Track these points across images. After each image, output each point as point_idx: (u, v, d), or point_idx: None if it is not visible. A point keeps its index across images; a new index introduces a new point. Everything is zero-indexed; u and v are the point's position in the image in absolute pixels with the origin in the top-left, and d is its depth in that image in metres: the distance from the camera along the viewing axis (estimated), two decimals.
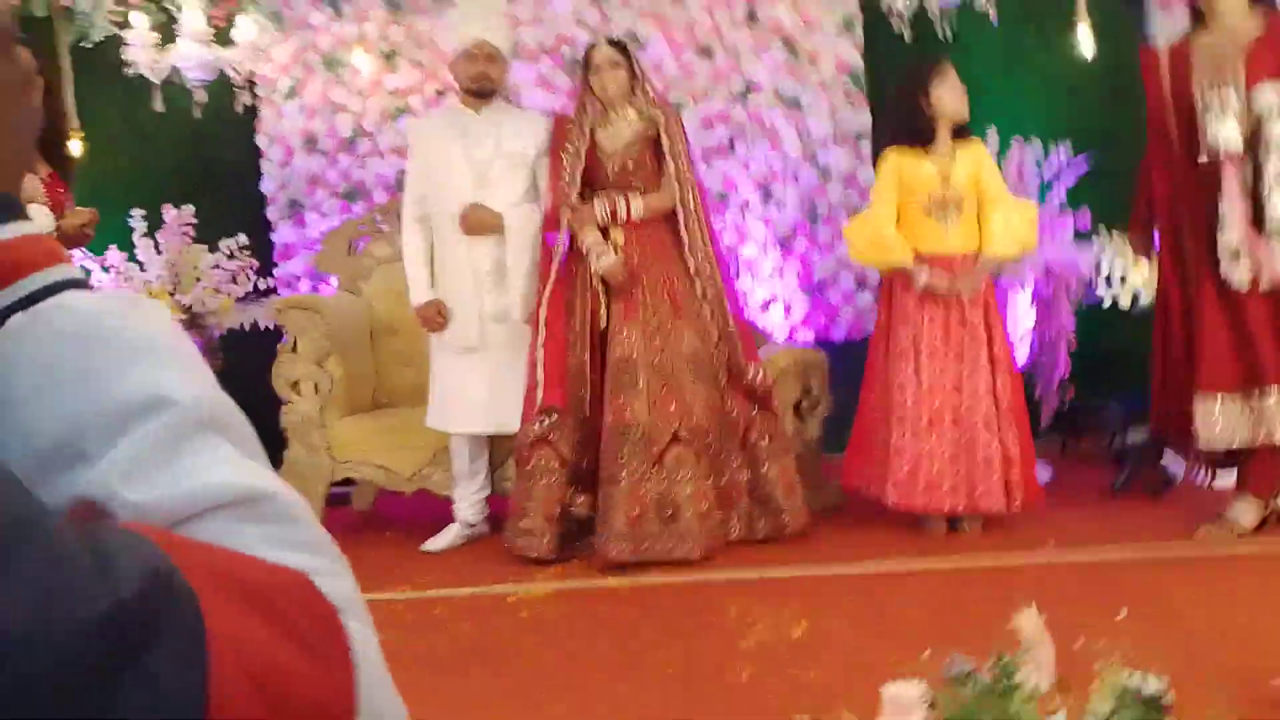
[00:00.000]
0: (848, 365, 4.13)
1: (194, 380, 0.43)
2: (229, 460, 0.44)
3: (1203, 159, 2.81)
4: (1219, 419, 2.89)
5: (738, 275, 4.90)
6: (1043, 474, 3.84)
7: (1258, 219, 2.76)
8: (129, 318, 0.43)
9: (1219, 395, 2.89)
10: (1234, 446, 2.93)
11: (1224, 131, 2.72)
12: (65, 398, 0.40)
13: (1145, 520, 3.26)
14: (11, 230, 0.41)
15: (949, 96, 3.17)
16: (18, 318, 0.40)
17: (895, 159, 3.29)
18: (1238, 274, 2.80)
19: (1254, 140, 2.73)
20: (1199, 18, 2.97)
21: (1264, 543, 2.94)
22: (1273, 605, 2.39)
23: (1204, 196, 2.87)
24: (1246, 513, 3.02)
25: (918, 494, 3.18)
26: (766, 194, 4.91)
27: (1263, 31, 2.84)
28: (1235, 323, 2.89)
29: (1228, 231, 2.80)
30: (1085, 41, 4.40)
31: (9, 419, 0.40)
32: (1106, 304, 4.12)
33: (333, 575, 0.44)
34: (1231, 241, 2.79)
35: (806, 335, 4.89)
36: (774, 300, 4.93)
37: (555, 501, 3.12)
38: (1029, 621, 1.45)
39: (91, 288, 0.45)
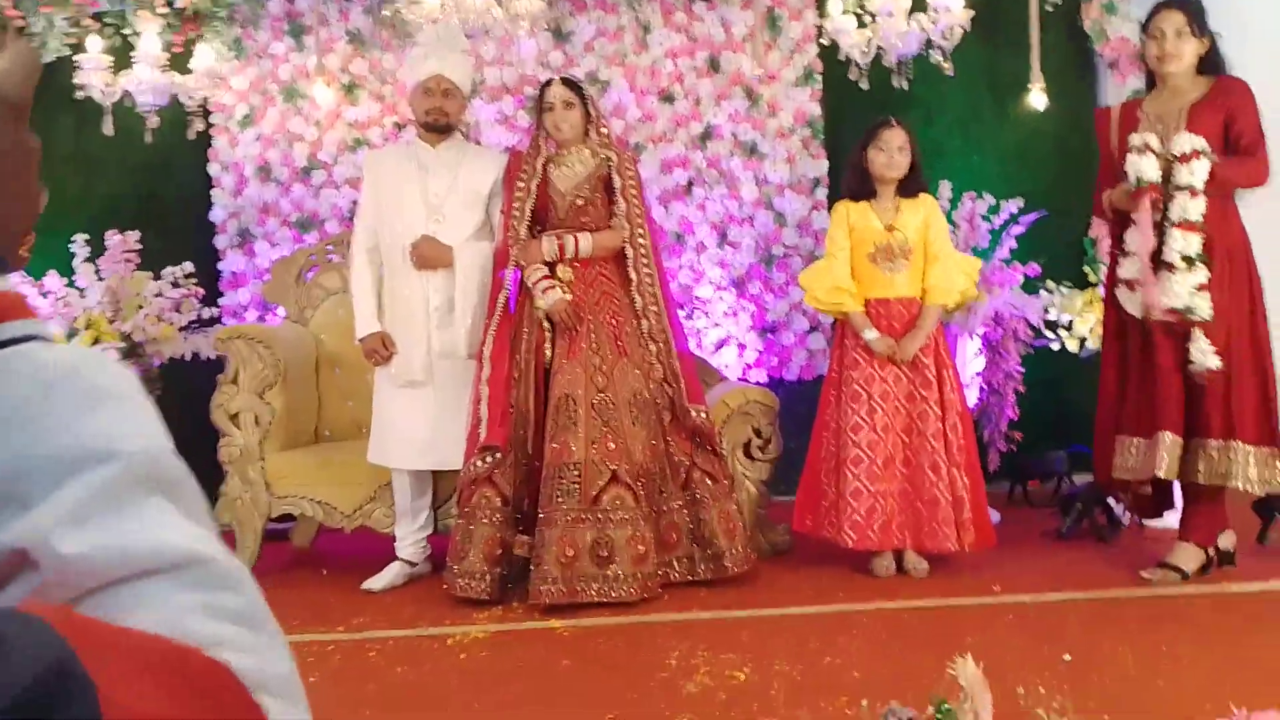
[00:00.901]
0: (799, 406, 4.14)
1: (145, 435, 0.42)
2: (170, 521, 0.42)
3: (1127, 187, 2.94)
4: (1131, 459, 3.04)
5: (692, 315, 4.92)
6: (991, 517, 3.85)
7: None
8: (88, 369, 0.42)
9: (1131, 438, 3.06)
10: (1139, 479, 3.06)
11: (1142, 167, 2.86)
12: (15, 439, 0.39)
13: (1091, 565, 3.27)
14: None
15: (879, 159, 3.30)
16: None
17: (844, 210, 3.40)
18: (1131, 304, 2.95)
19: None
20: (1153, 82, 3.13)
21: (1206, 587, 2.98)
22: (1214, 648, 2.39)
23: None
24: (1189, 559, 3.07)
25: (874, 534, 3.19)
26: (723, 237, 4.95)
27: (1204, 96, 3.00)
28: (1150, 366, 3.00)
29: (1126, 261, 2.96)
30: (1039, 101, 4.51)
31: None
32: (1054, 348, 4.19)
33: (257, 651, 0.42)
34: (1128, 270, 2.95)
35: (759, 375, 4.91)
36: (728, 341, 4.95)
37: (496, 542, 3.06)
38: (967, 670, 1.43)
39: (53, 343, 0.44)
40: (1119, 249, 3.06)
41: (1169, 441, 2.95)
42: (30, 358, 0.41)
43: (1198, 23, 3.00)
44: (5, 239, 0.44)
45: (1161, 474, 2.96)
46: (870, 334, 3.27)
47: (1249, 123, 2.96)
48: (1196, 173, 2.85)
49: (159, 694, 0.36)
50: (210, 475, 3.59)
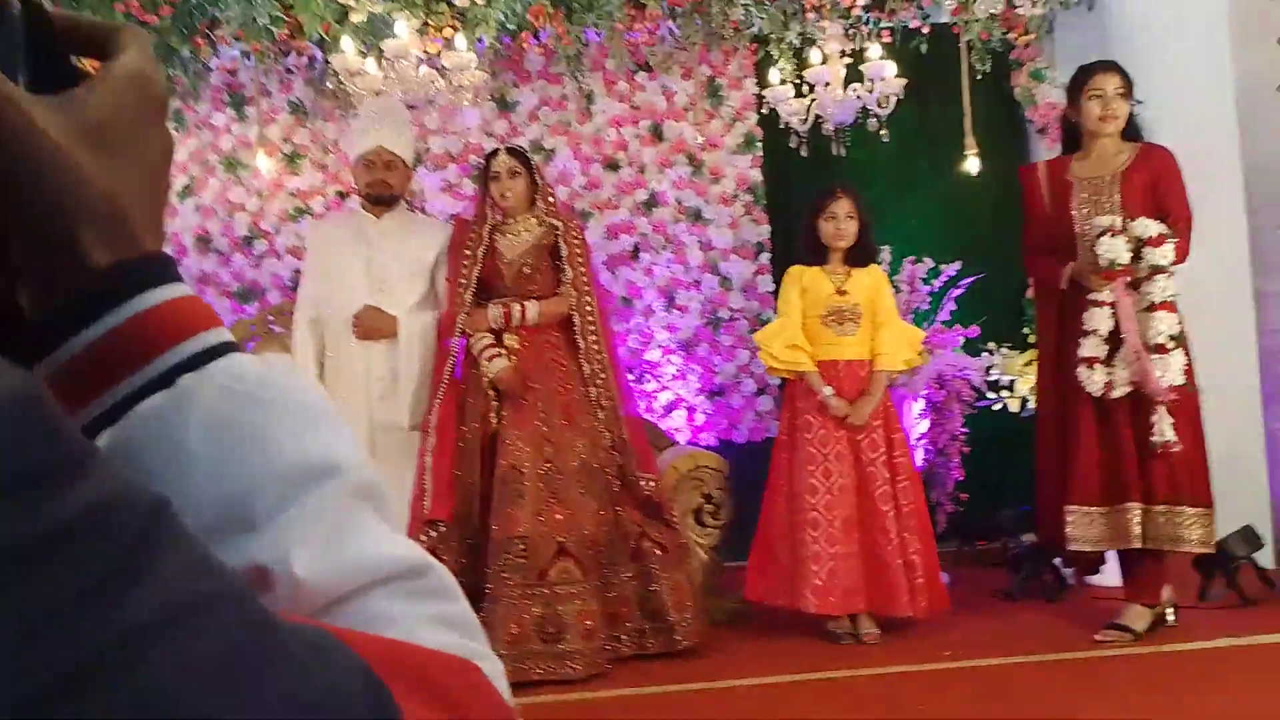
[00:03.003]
0: (750, 469, 4.13)
1: (355, 448, 0.42)
2: (386, 533, 0.42)
3: (1092, 277, 3.00)
4: (1083, 528, 3.06)
5: (641, 378, 4.92)
6: (942, 580, 3.86)
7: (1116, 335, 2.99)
8: (296, 381, 0.42)
9: (1084, 508, 3.06)
10: (1098, 550, 3.10)
11: (1116, 250, 2.92)
12: (240, 459, 0.38)
13: (1042, 625, 3.28)
14: (175, 291, 0.40)
15: (827, 228, 3.37)
16: (188, 378, 0.39)
17: (796, 273, 3.45)
18: (1092, 382, 2.99)
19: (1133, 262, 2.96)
20: (1072, 144, 3.21)
21: (1154, 646, 2.99)
22: (1164, 707, 2.40)
23: (1080, 311, 3.04)
24: (1138, 619, 3.09)
25: (836, 598, 3.16)
26: (670, 300, 4.98)
27: (1132, 163, 3.09)
28: (1104, 437, 3.06)
29: (1088, 340, 2.99)
30: (973, 165, 4.63)
31: (180, 478, 0.37)
32: (996, 408, 4.25)
33: (489, 659, 0.41)
34: (1090, 349, 2.99)
35: (709, 438, 4.91)
36: (677, 403, 4.95)
37: None
38: None
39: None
40: (1076, 327, 3.07)
41: (1137, 512, 2.98)
42: (236, 373, 0.40)
43: (1129, 86, 3.10)
44: (159, 242, 0.43)
45: (1136, 544, 2.98)
46: (827, 390, 3.29)
47: (1178, 200, 3.07)
48: (1168, 254, 2.93)
49: (434, 702, 0.36)
50: None
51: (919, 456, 4.13)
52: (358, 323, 3.21)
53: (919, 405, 4.10)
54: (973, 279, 4.18)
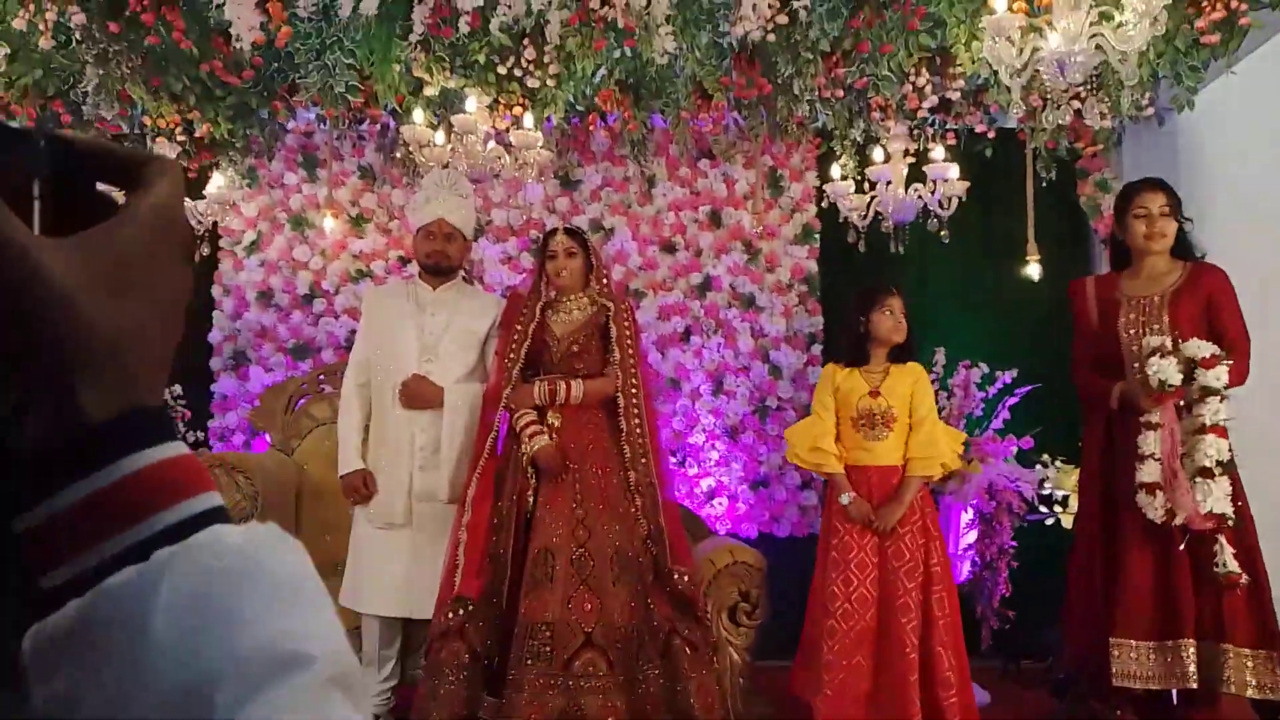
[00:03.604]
0: (790, 564, 4.03)
1: (332, 633, 0.40)
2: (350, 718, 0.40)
3: (1144, 399, 2.93)
4: (1133, 664, 2.92)
5: (684, 462, 4.86)
6: (981, 697, 3.70)
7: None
8: (270, 557, 0.40)
9: (1134, 642, 2.93)
10: (1149, 688, 2.94)
11: (1168, 372, 2.85)
12: (205, 646, 0.37)
13: None
14: (168, 451, 0.39)
15: (885, 323, 3.30)
16: (164, 552, 0.37)
17: (831, 371, 3.40)
18: (1154, 509, 2.88)
19: (1184, 384, 2.88)
20: (1121, 260, 3.20)
21: None
22: None
23: (1131, 432, 2.97)
24: None
25: (847, 709, 3.04)
26: (718, 385, 4.95)
27: (1182, 282, 3.05)
28: (1158, 567, 2.94)
29: (1145, 466, 2.91)
30: (1034, 271, 4.57)
31: (140, 662, 0.36)
32: (1048, 523, 4.11)
33: None
34: (1149, 474, 2.90)
35: (750, 529, 4.81)
36: (719, 491, 4.88)
37: (461, 703, 2.90)
38: None
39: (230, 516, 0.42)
40: (1124, 447, 3.00)
41: (1192, 650, 2.87)
42: (215, 548, 0.39)
43: (1178, 204, 3.08)
44: (161, 389, 0.42)
45: (1191, 684, 2.85)
46: (846, 497, 3.21)
47: (1234, 319, 3.01)
48: (1220, 377, 2.86)
49: None
50: None
51: (965, 568, 4.00)
52: (404, 391, 3.22)
53: (968, 515, 3.99)
54: (1029, 388, 4.08)
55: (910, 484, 3.23)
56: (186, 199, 4.24)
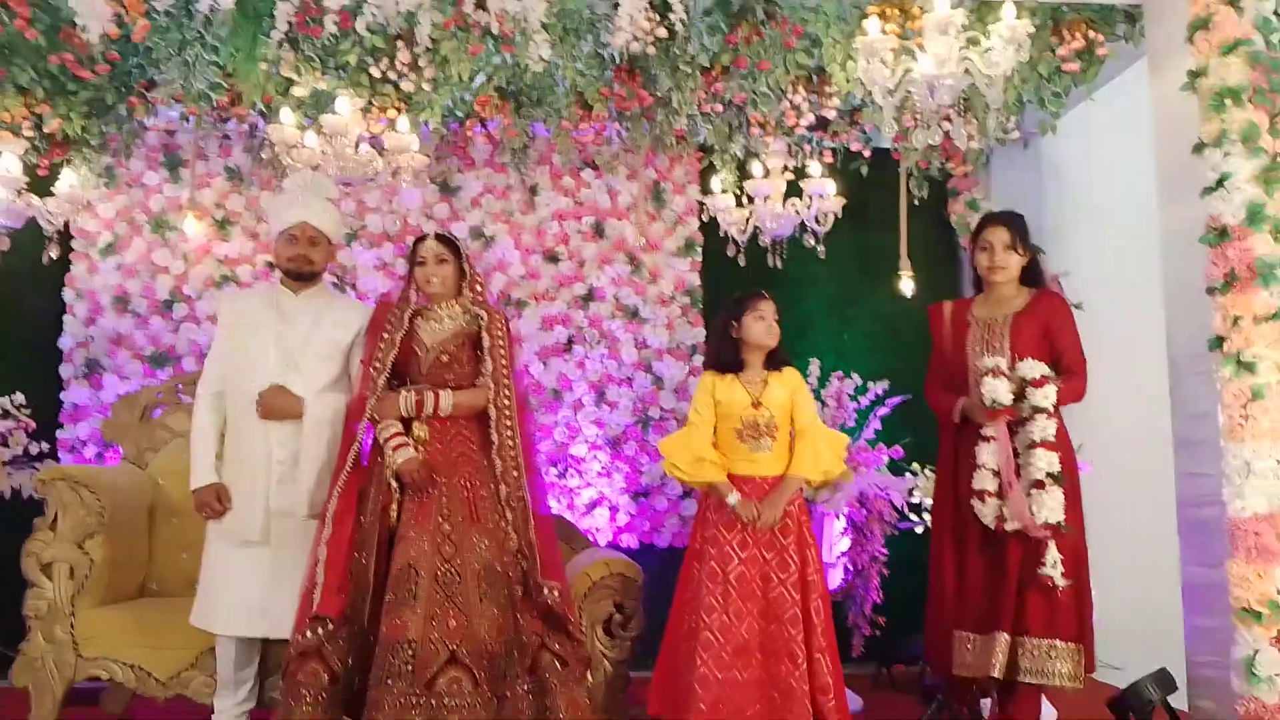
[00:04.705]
0: (672, 573, 4.00)
1: None
2: None
3: (980, 414, 3.12)
4: (968, 654, 3.11)
5: (565, 473, 4.81)
6: (853, 703, 3.74)
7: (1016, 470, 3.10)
8: None
9: (968, 634, 3.13)
10: (981, 675, 3.09)
11: (998, 391, 3.04)
12: None
13: None
14: None
15: (757, 327, 3.30)
16: None
17: (710, 381, 3.35)
18: (985, 514, 3.09)
19: (1017, 402, 3.08)
20: (980, 286, 3.39)
21: None
22: None
23: (973, 444, 3.15)
24: None
25: None
26: (601, 396, 4.92)
27: (1026, 307, 3.25)
28: (993, 567, 3.12)
29: (979, 474, 3.10)
30: (907, 288, 4.69)
31: None
32: (919, 530, 4.20)
33: None
34: (981, 482, 3.09)
35: (631, 540, 4.79)
36: (601, 501, 4.85)
37: None
38: None
39: None
40: (967, 459, 3.17)
41: (1004, 642, 3.03)
42: None
43: (1021, 238, 3.27)
44: None
45: (995, 673, 3.02)
46: (734, 498, 3.18)
47: (1070, 342, 3.21)
48: (1049, 396, 3.05)
49: None
50: (17, 629, 3.25)
51: (837, 576, 4.06)
52: (262, 402, 3.07)
53: (840, 524, 4.05)
54: (900, 399, 4.18)
55: (790, 482, 3.23)
56: (34, 197, 3.98)
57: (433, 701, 2.73)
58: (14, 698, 3.51)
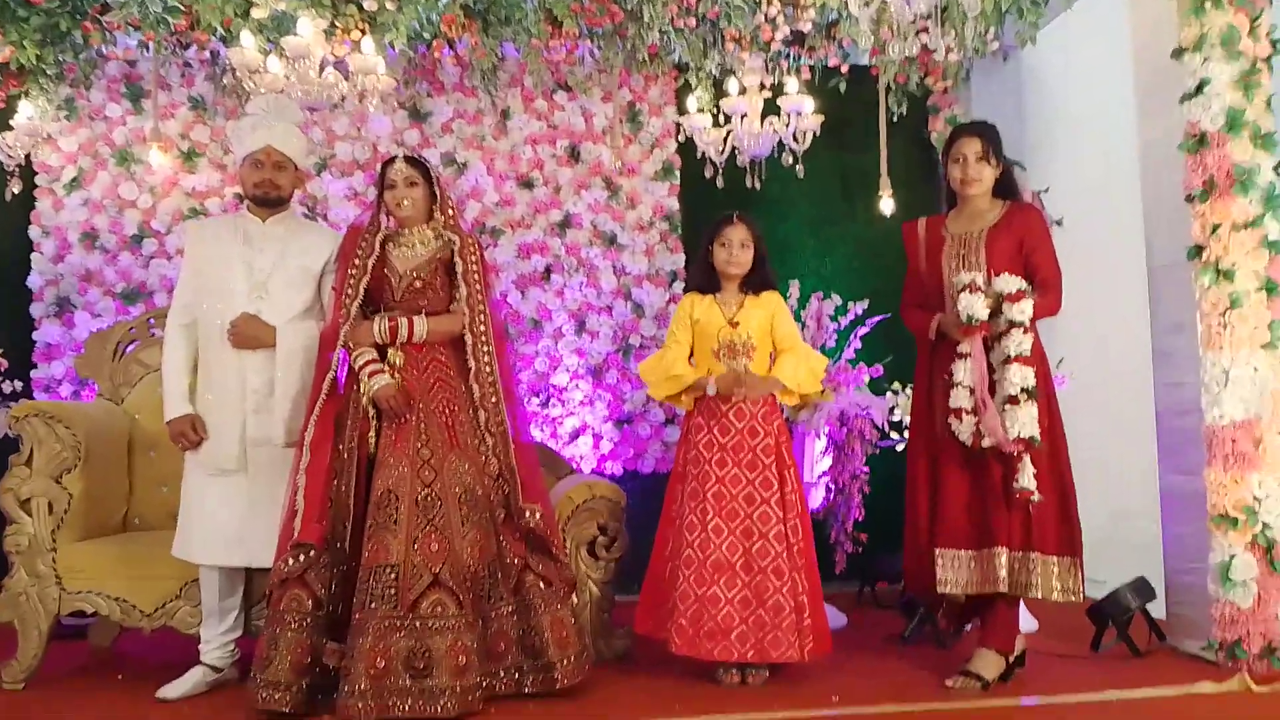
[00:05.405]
0: (653, 501, 4.02)
1: None
2: None
3: (956, 330, 3.07)
4: (953, 571, 3.10)
5: (547, 403, 4.80)
6: (836, 620, 3.80)
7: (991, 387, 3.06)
8: None
9: (953, 550, 3.10)
10: (967, 593, 3.11)
11: (974, 306, 2.99)
12: None
13: (931, 672, 3.23)
14: None
15: (720, 254, 3.31)
16: None
17: (689, 303, 3.37)
18: (962, 431, 3.06)
19: (993, 317, 3.04)
20: (953, 201, 3.30)
21: (1044, 698, 2.97)
22: None
23: (949, 361, 3.11)
24: (989, 666, 3.09)
25: (702, 641, 3.06)
26: (581, 325, 4.88)
27: (1000, 220, 3.18)
28: (972, 484, 3.11)
29: (955, 391, 3.06)
30: (887, 206, 4.64)
31: None
32: (900, 448, 4.23)
33: None
34: (959, 400, 3.06)
35: (615, 467, 4.80)
36: (584, 430, 4.84)
37: (305, 649, 2.79)
38: None
39: None
40: (943, 377, 3.14)
41: (1004, 557, 3.02)
42: None
43: (994, 149, 3.18)
44: None
45: (1002, 589, 3.01)
46: (711, 384, 3.20)
47: (1045, 256, 3.15)
48: (1025, 310, 3.00)
49: None
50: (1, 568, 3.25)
51: (819, 495, 4.08)
52: (234, 331, 3.03)
53: (821, 443, 4.06)
54: (879, 319, 4.16)
55: (771, 377, 3.24)
56: None
57: (417, 624, 2.74)
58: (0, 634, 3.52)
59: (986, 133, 3.20)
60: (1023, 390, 2.99)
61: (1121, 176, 4.01)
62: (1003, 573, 3.00)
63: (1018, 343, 3.00)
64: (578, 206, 4.91)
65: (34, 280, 4.53)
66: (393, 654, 2.70)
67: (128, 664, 3.52)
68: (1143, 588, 3.55)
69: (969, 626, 3.48)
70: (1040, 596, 3.03)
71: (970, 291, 3.00)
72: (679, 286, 4.89)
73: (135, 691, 3.12)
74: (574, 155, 4.94)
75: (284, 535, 2.86)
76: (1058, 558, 3.05)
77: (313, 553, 2.84)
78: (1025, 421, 2.97)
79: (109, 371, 3.82)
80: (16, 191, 3.89)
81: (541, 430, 4.77)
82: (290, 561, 2.82)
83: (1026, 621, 3.58)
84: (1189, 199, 3.39)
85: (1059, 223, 3.93)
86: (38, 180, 4.53)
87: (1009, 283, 3.02)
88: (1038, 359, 3.08)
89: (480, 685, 2.81)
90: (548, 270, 4.89)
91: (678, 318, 3.36)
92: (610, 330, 4.89)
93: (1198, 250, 3.35)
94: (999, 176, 3.21)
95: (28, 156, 4.14)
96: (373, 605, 2.73)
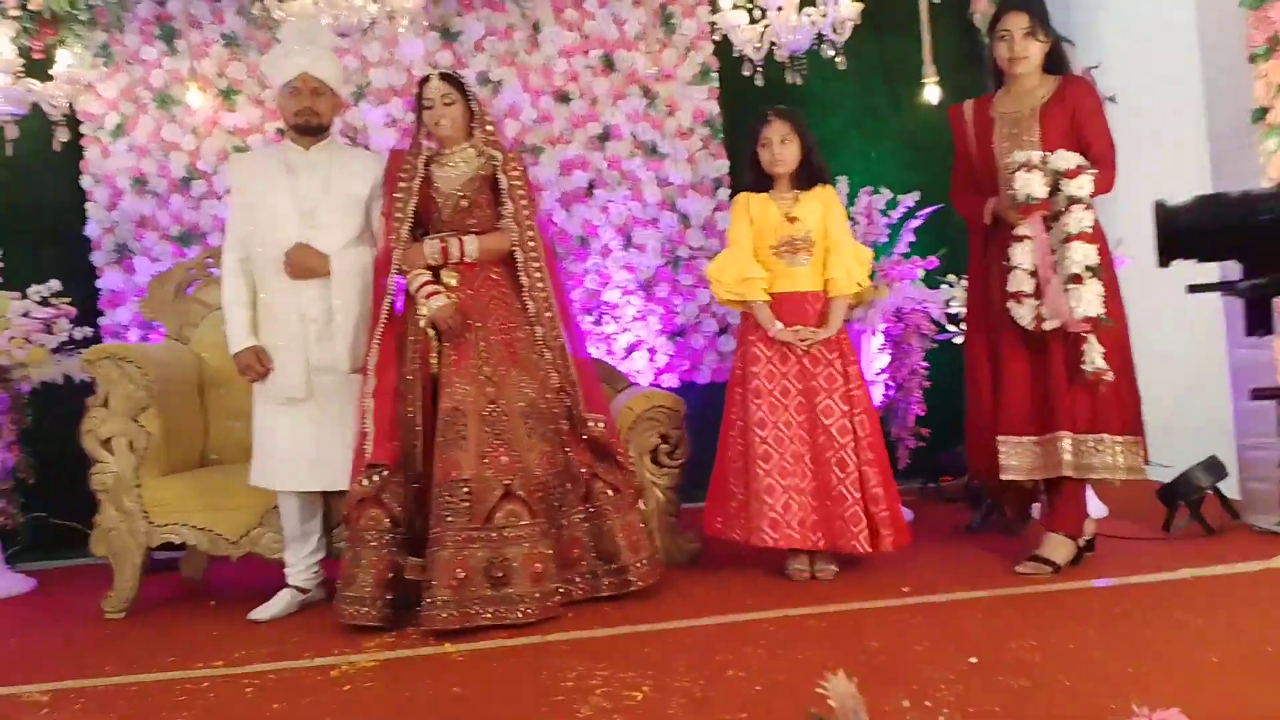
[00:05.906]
0: (711, 410, 4.04)
1: None
2: None
3: (1012, 212, 2.99)
4: (1016, 458, 3.07)
5: (600, 320, 4.81)
6: (904, 515, 3.82)
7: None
8: None
9: (1016, 437, 3.07)
10: (1032, 478, 3.11)
11: (1031, 185, 2.91)
12: None
13: (1000, 560, 3.24)
14: None
15: (763, 155, 3.27)
16: None
17: (744, 201, 3.33)
18: (1023, 316, 3.00)
19: (1050, 196, 2.95)
20: (1000, 80, 3.18)
21: (1113, 579, 2.95)
22: (1119, 642, 2.36)
23: (1006, 246, 3.03)
24: (1058, 549, 3.08)
25: (794, 530, 3.10)
26: (627, 239, 4.86)
27: (1051, 96, 3.06)
28: (1034, 368, 3.06)
29: (1014, 275, 3.00)
30: (933, 95, 4.51)
31: None
32: (957, 341, 4.18)
33: None
34: (1018, 284, 2.99)
35: (671, 380, 4.83)
36: (638, 345, 4.86)
37: (386, 565, 2.89)
38: (838, 687, 1.35)
39: None
40: (999, 262, 3.07)
41: (1068, 441, 2.99)
42: None
43: (1041, 23, 3.06)
44: None
45: (1068, 472, 2.99)
46: (777, 326, 3.21)
47: (1099, 130, 3.04)
48: (1085, 186, 2.91)
49: None
50: (87, 505, 3.37)
51: (879, 392, 4.07)
52: (288, 262, 3.06)
53: (878, 340, 4.03)
54: (931, 210, 4.08)
55: (838, 305, 3.24)
56: (34, 82, 3.90)
57: (493, 535, 2.81)
58: (95, 573, 3.69)
59: (1033, 6, 3.07)
60: (1087, 268, 2.92)
61: (1175, 46, 3.84)
62: (1067, 456, 2.98)
63: (1079, 219, 2.92)
64: (616, 118, 4.84)
65: (91, 229, 4.61)
66: (471, 565, 2.78)
67: (219, 593, 3.67)
68: (1214, 466, 3.51)
69: (1035, 512, 3.47)
70: (1106, 478, 3.01)
71: (1026, 170, 2.92)
72: (724, 194, 4.83)
73: (229, 615, 3.26)
74: (608, 64, 4.85)
75: (357, 457, 2.94)
76: (1121, 437, 3.01)
77: (386, 473, 2.91)
78: (1091, 300, 2.91)
79: (172, 313, 3.90)
80: (65, 140, 3.93)
81: (596, 348, 4.80)
82: (365, 482, 2.90)
83: (1095, 507, 3.56)
84: (1251, 59, 3.24)
85: (1112, 99, 3.79)
86: (83, 129, 4.58)
87: (1067, 159, 2.92)
88: (1097, 236, 3.01)
89: (557, 591, 2.89)
90: (590, 186, 4.85)
91: (736, 217, 3.33)
92: (657, 243, 4.86)
93: (1262, 112, 3.22)
94: (1048, 51, 3.09)
95: (71, 106, 4.17)
96: (449, 519, 2.80)
